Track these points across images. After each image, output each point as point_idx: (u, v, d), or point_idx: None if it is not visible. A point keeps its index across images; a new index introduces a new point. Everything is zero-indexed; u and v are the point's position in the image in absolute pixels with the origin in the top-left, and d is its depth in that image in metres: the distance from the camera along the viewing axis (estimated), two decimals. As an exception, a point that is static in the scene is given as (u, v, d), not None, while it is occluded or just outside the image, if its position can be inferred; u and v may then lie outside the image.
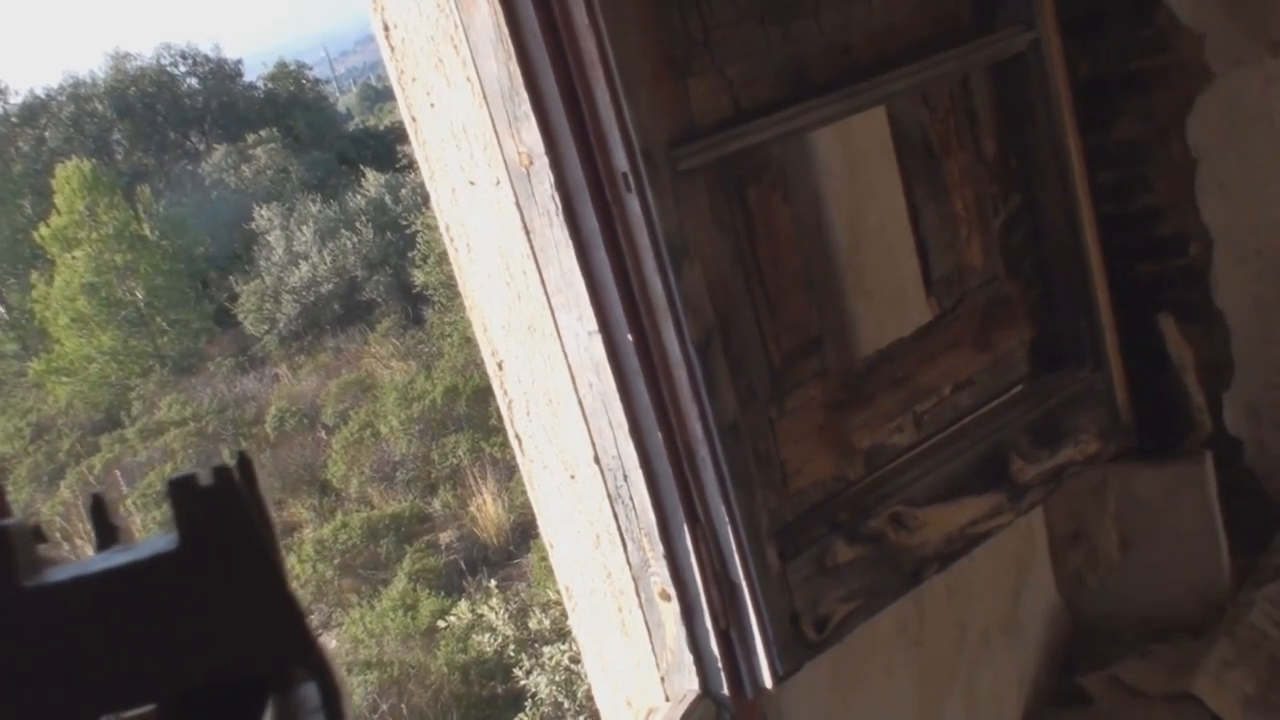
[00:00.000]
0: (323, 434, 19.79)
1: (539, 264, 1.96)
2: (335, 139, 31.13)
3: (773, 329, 2.10)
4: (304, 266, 24.85)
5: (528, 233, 1.94)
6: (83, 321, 25.66)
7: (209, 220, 28.39)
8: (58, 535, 20.00)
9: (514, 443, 2.12)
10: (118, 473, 20.84)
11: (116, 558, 0.73)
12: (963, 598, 2.95)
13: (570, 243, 1.91)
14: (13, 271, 29.15)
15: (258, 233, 26.41)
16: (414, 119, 1.99)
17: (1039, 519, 3.36)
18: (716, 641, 2.06)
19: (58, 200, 25.90)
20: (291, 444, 20.01)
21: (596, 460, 2.03)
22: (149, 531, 18.52)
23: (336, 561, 15.29)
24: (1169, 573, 3.20)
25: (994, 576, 3.10)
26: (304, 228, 25.05)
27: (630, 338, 1.93)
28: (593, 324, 1.94)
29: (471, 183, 1.97)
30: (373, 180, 25.21)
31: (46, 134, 31.39)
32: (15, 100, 32.69)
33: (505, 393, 2.09)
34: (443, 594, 13.06)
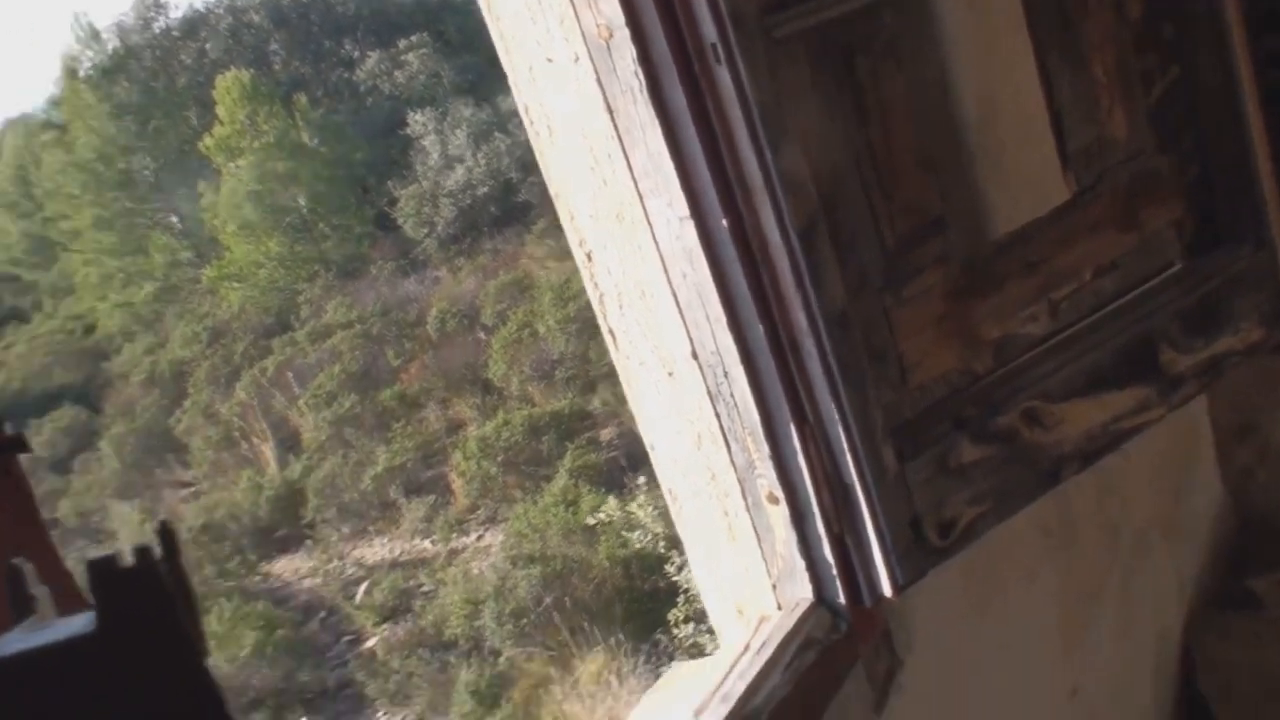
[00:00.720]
0: (482, 334, 20.08)
1: (624, 146, 1.81)
2: (486, 40, 31.06)
3: (886, 211, 1.92)
4: (459, 170, 25.05)
5: (611, 112, 1.79)
6: (250, 228, 26.41)
7: (365, 126, 28.81)
8: (236, 434, 20.80)
9: (608, 338, 1.99)
10: (289, 374, 21.51)
11: (33, 638, 0.72)
12: (1117, 498, 2.75)
13: (656, 122, 1.75)
14: (183, 182, 30.02)
15: (413, 138, 26.68)
16: (487, -8, 1.85)
17: (1202, 411, 3.13)
18: (830, 547, 1.92)
19: (219, 111, 26.56)
20: (453, 344, 20.37)
21: (694, 355, 1.89)
22: (319, 432, 19.08)
23: (500, 458, 15.57)
24: (1347, 466, 2.94)
25: (1152, 474, 2.89)
26: (458, 131, 25.19)
27: (725, 223, 1.78)
28: (684, 209, 1.78)
29: (549, 60, 1.83)
30: (524, 80, 25.14)
31: (207, 46, 32.08)
32: (175, 15, 33.43)
33: (596, 286, 1.96)
34: (604, 490, 13.19)
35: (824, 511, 1.90)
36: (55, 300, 39.45)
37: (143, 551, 0.71)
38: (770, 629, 1.94)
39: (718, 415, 1.91)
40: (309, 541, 17.24)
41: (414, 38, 29.46)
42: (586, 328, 16.71)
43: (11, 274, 44.95)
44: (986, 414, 2.00)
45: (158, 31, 32.72)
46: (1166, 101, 2.28)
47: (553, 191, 1.95)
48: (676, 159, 1.77)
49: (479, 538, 15.18)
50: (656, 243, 1.85)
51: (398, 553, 15.97)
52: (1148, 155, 2.24)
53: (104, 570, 0.70)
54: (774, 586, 1.99)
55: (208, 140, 26.90)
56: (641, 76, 1.73)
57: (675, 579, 9.16)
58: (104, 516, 20.78)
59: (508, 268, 21.72)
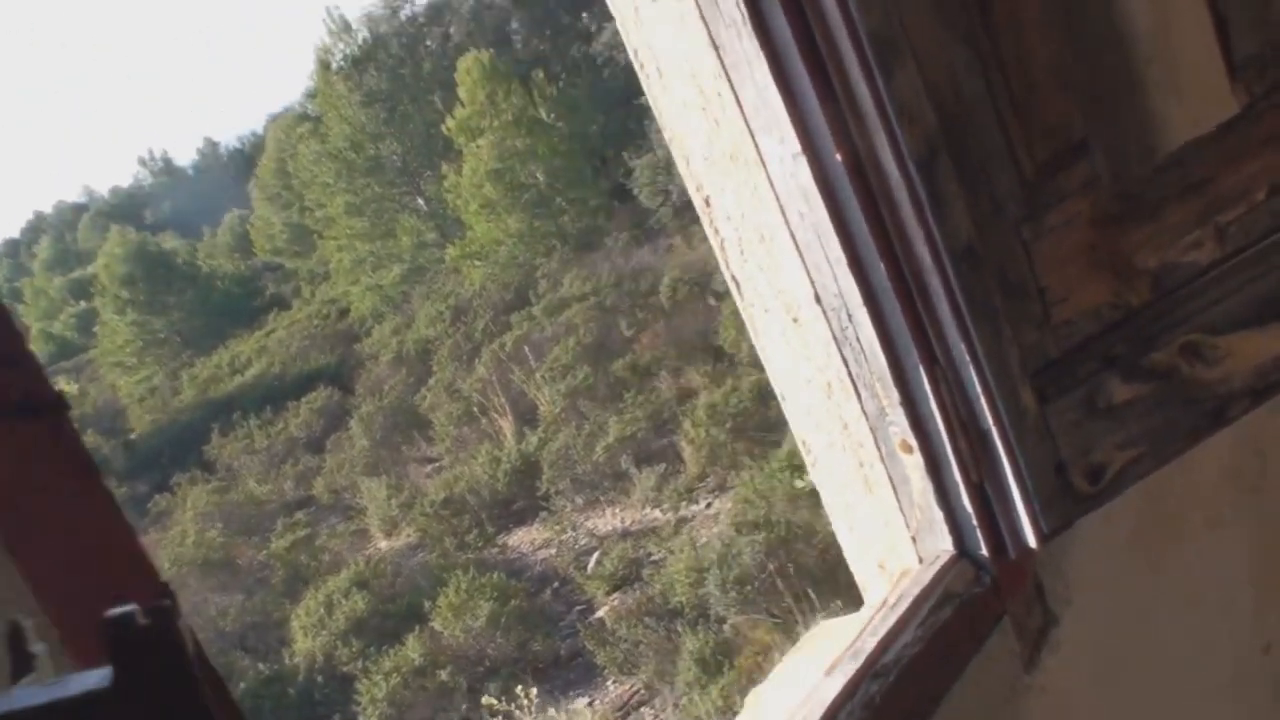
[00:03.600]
0: (714, 301, 20.10)
1: (733, 84, 1.74)
2: (720, 6, 31.16)
3: (1022, 135, 1.79)
4: (692, 136, 25.06)
5: (717, 49, 1.73)
6: (490, 206, 27.13)
7: (601, 99, 29.20)
8: (476, 410, 21.43)
9: (731, 286, 1.93)
10: (526, 348, 22.02)
11: (46, 693, 0.71)
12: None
13: (762, 55, 1.68)
14: (428, 164, 31.10)
15: (647, 107, 26.85)
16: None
17: None
18: (969, 497, 1.82)
19: (460, 92, 27.35)
20: (685, 312, 20.48)
21: (818, 300, 1.81)
22: (554, 405, 19.48)
23: (728, 425, 15.58)
24: None
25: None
26: (689, 96, 25.20)
27: (839, 157, 1.69)
28: (796, 145, 1.71)
29: (652, -2, 1.78)
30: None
31: (451, 30, 33.04)
32: (421, 1, 34.51)
33: (716, 232, 1.90)
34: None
35: (960, 459, 1.80)
36: (313, 286, 41.54)
37: (159, 611, 0.70)
38: (908, 583, 1.86)
39: (845, 362, 1.84)
40: (544, 513, 17.63)
41: (650, 4, 29.67)
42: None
43: (275, 263, 47.58)
44: (1140, 350, 1.86)
45: (404, 19, 33.91)
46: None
47: (667, 136, 1.90)
48: (785, 93, 1.69)
49: (708, 505, 15.23)
50: (772, 183, 1.78)
51: (628, 522, 16.18)
52: (1331, 61, 2.03)
53: (121, 627, 0.69)
54: (914, 539, 1.91)
55: (450, 122, 27.72)
56: (743, 8, 1.66)
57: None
58: (354, 493, 21.75)
59: (740, 232, 21.67)
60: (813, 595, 10.76)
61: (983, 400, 1.76)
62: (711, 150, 1.84)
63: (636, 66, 1.88)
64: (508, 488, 18.48)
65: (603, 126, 28.65)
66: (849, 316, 1.79)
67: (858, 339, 1.80)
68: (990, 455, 1.80)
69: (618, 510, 16.66)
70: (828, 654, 1.82)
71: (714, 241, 1.92)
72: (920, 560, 1.91)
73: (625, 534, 15.84)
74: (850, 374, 1.84)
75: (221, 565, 19.34)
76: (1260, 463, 2.37)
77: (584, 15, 32.03)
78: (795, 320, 1.87)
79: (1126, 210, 1.88)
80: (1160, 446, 1.87)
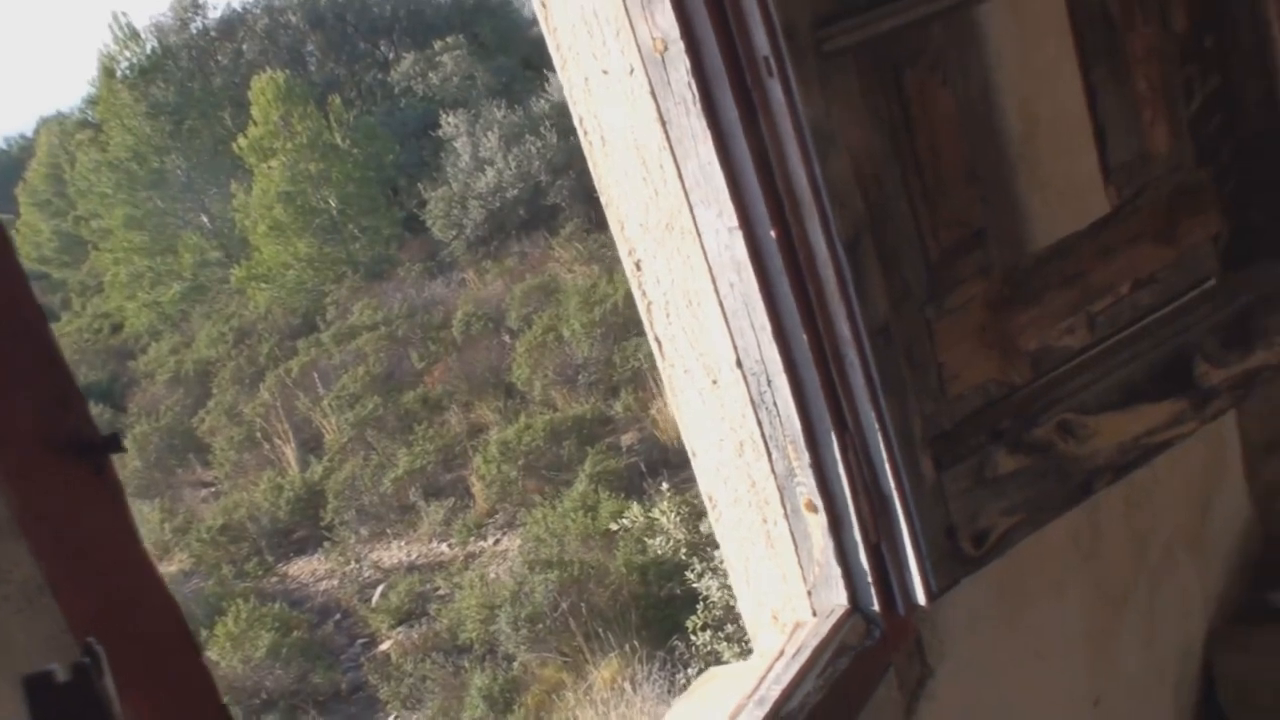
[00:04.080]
0: (507, 338, 20.10)
1: (676, 157, 1.85)
2: (519, 43, 31.24)
3: (930, 223, 1.95)
4: (489, 172, 25.12)
5: (664, 124, 1.83)
6: (280, 229, 26.50)
7: (398, 128, 28.91)
8: (258, 435, 20.88)
9: (654, 346, 2.03)
10: (315, 375, 21.58)
11: None
12: (1144, 510, 2.78)
13: (709, 133, 1.79)
14: (214, 182, 30.19)
15: (445, 139, 26.76)
16: (544, 4, 1.89)
17: (1232, 426, 3.15)
18: (866, 555, 1.95)
19: (254, 112, 26.68)
20: (478, 347, 20.40)
21: (739, 364, 1.92)
22: (341, 434, 19.15)
23: (520, 462, 15.57)
24: (1377, 488, 2.96)
25: (1179, 487, 2.92)
26: (489, 133, 25.26)
27: (773, 234, 1.81)
28: (733, 220, 1.82)
29: (605, 71, 1.87)
30: (556, 84, 25.22)
31: (244, 47, 32.27)
32: (214, 15, 33.61)
33: (644, 294, 2.00)
34: (623, 495, 13.19)
35: (861, 520, 1.94)
36: (84, 299, 39.74)
37: (79, 668, 0.71)
38: (805, 635, 1.98)
39: (760, 423, 1.95)
40: (327, 543, 17.27)
41: (449, 39, 29.56)
42: (611, 332, 16.73)
43: (41, 272, 45.29)
44: (1023, 425, 2.03)
45: (195, 32, 32.89)
46: (1206, 112, 2.30)
47: (604, 200, 1.98)
48: (727, 170, 1.81)
49: (496, 542, 15.20)
50: (705, 253, 1.89)
51: (415, 556, 16.00)
52: (1188, 168, 2.26)
53: (40, 685, 0.70)
54: (809, 593, 2.03)
55: (241, 141, 27.03)
56: (695, 89, 1.77)
57: (694, 585, 9.18)
58: (126, 513, 20.87)
59: (534, 271, 21.78)
60: (604, 635, 10.85)
61: (887, 466, 1.90)
62: (648, 218, 1.93)
63: (580, 133, 1.97)
64: (290, 516, 18.03)
65: (398, 156, 28.37)
66: (768, 381, 1.90)
67: (774, 403, 1.92)
68: (889, 517, 1.94)
69: (404, 543, 16.45)
70: (725, 700, 1.92)
71: (640, 303, 2.01)
72: (814, 613, 2.03)
73: (412, 567, 15.65)
74: (764, 435, 1.95)
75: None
76: (1097, 533, 2.59)
77: (381, 44, 31.72)
78: (714, 382, 1.97)
79: (1014, 295, 2.06)
80: (1036, 514, 2.05)
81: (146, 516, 19.78)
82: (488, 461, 15.93)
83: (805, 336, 1.85)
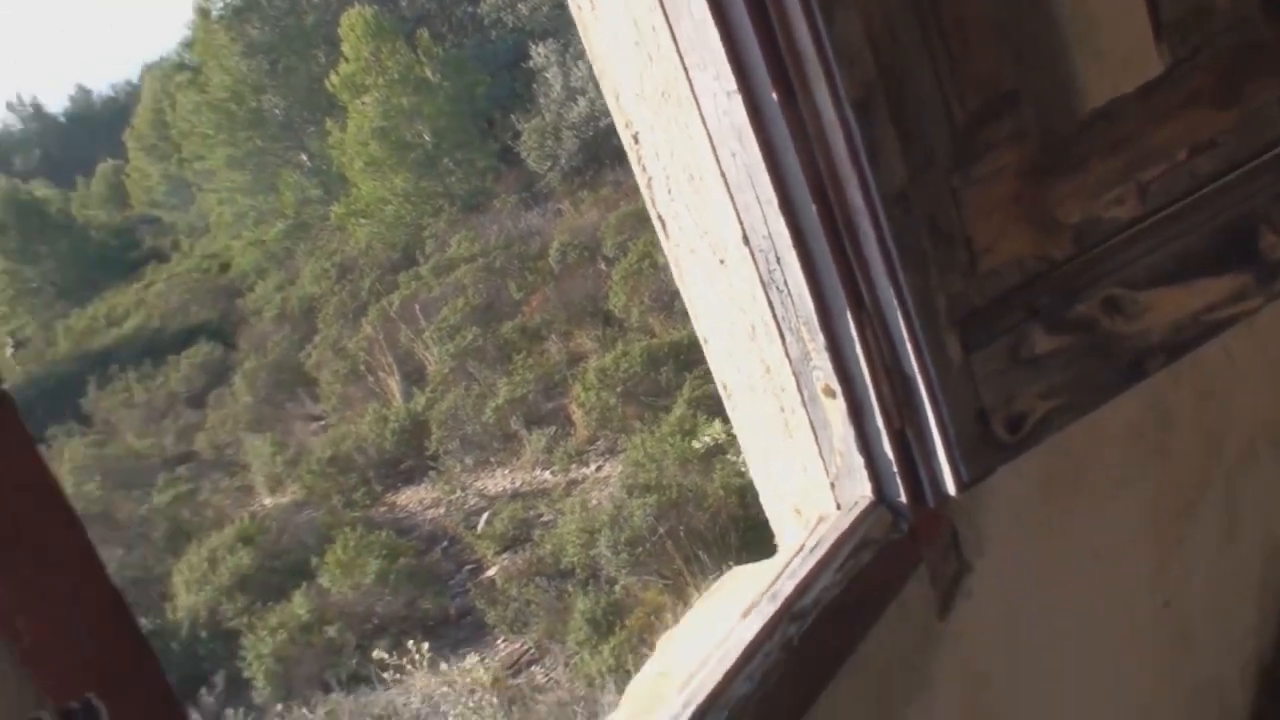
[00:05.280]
0: (603, 266, 20.08)
1: (668, 17, 1.71)
2: (609, -30, 30.87)
3: (955, 85, 1.79)
4: (582, 102, 24.99)
5: (653, -20, 1.70)
6: (376, 165, 26.70)
7: (488, 60, 28.87)
8: (362, 368, 21.18)
9: (657, 225, 1.91)
10: (415, 308, 21.79)
11: None
12: (1220, 402, 2.59)
13: (701, -12, 1.65)
14: (311, 120, 30.50)
15: (536, 70, 26.65)
16: None
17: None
18: (890, 443, 1.82)
19: (344, 48, 26.79)
20: (574, 276, 20.41)
21: (746, 241, 1.79)
22: (443, 365, 19.30)
23: (619, 389, 15.59)
24: None
25: (1262, 376, 2.72)
26: (580, 63, 25.09)
27: (775, 97, 1.67)
28: (731, 83, 1.68)
29: (587, -74, 1.74)
30: (647, 9, 24.95)
31: (335, -17, 32.30)
32: (304, -49, 33.69)
33: (644, 170, 1.87)
34: (722, 420, 13.12)
35: (883, 405, 1.80)
36: (192, 240, 40.62)
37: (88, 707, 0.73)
38: (826, 529, 1.86)
39: (771, 304, 1.82)
40: (432, 473, 17.52)
41: (538, -32, 29.36)
42: (705, 257, 16.58)
43: (152, 215, 46.39)
44: (1064, 302, 1.87)
45: (287, -30, 33.12)
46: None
47: (597, 70, 1.86)
48: (723, 28, 1.66)
49: (598, 468, 15.25)
50: (704, 121, 1.75)
51: (518, 483, 16.14)
52: (1253, 24, 2.06)
53: None
54: (832, 485, 1.91)
55: (334, 77, 27.19)
56: (683, -62, 1.63)
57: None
58: (238, 449, 21.40)
59: (629, 199, 21.63)
60: (704, 558, 10.84)
61: (908, 346, 1.76)
62: (643, 86, 1.80)
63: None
64: (396, 447, 18.32)
65: (490, 88, 28.33)
66: (777, 259, 1.77)
67: (785, 282, 1.79)
68: (913, 402, 1.80)
69: (508, 471, 16.62)
70: (742, 598, 1.81)
71: (641, 179, 1.89)
72: (838, 506, 1.91)
73: (515, 495, 15.81)
74: (776, 317, 1.82)
75: (99, 519, 18.87)
76: (1164, 428, 2.42)
77: (472, -25, 31.62)
78: (722, 262, 1.85)
79: (1052, 163, 1.89)
80: (1079, 397, 1.89)
81: (258, 450, 20.27)
82: (587, 389, 15.98)
83: (814, 208, 1.71)
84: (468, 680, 11.35)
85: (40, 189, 51.33)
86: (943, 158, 1.78)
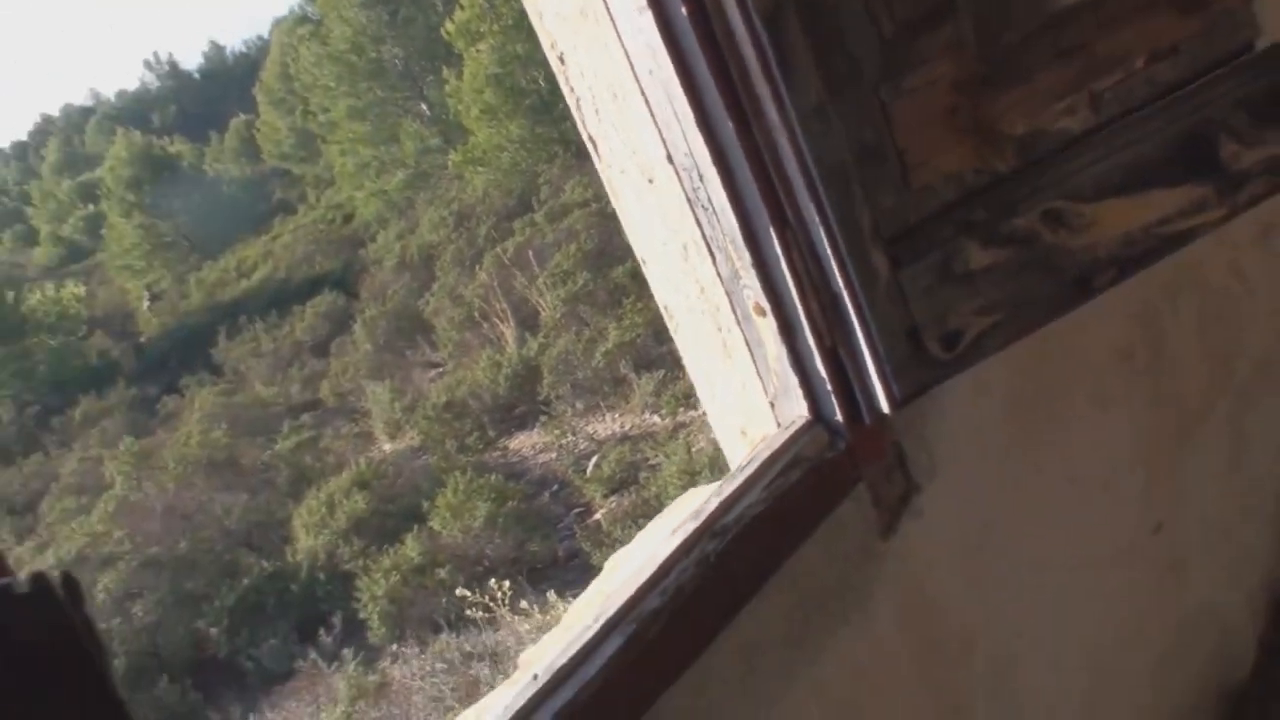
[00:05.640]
0: (714, 208, 19.96)
1: (579, -67, 1.71)
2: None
3: (883, -5, 1.75)
4: (695, 44, 24.75)
5: (562, -103, 1.69)
6: (491, 112, 26.86)
7: (604, 4, 28.72)
8: (478, 315, 21.46)
9: (589, 146, 1.91)
10: (530, 254, 21.97)
11: None
12: (1224, 325, 2.51)
13: (605, -99, 1.64)
14: (430, 68, 30.78)
15: (652, 17, 26.47)
16: None
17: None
18: (823, 361, 1.81)
19: (459, -6, 26.95)
20: (687, 220, 20.32)
21: (670, 159, 1.79)
22: (555, 310, 19.46)
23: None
24: None
25: (1273, 298, 2.63)
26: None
27: (684, 10, 1.66)
28: (642, -1, 1.67)
29: None
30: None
31: (450, -70, 32.45)
32: (421, -97, 33.88)
33: (572, 90, 1.87)
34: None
35: (813, 323, 1.79)
36: (318, 191, 41.43)
37: (37, 578, 0.68)
38: (762, 448, 1.85)
39: (699, 223, 1.82)
40: (544, 417, 17.73)
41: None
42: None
43: (282, 168, 47.44)
44: (1000, 215, 1.83)
45: (404, -80, 33.37)
46: None
47: (523, -9, 1.86)
48: (628, -60, 1.66)
49: (704, 412, 15.28)
50: (621, 39, 1.75)
51: (627, 427, 16.26)
52: (1218, -77, 1.97)
53: None
54: (772, 405, 1.90)
55: (449, 25, 27.40)
56: None
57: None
58: (359, 396, 21.89)
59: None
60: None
61: (833, 263, 1.74)
62: (563, 5, 1.80)
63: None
64: (509, 392, 18.58)
65: (607, 33, 28.21)
66: (700, 177, 1.77)
67: (709, 200, 1.78)
68: (842, 319, 1.78)
69: (617, 415, 16.74)
70: (679, 516, 1.82)
71: (570, 100, 1.89)
72: (779, 425, 1.90)
73: (624, 438, 15.93)
74: (704, 235, 1.82)
75: (227, 465, 19.54)
76: (1153, 348, 2.36)
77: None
78: (650, 181, 1.85)
79: (994, 74, 1.84)
80: (1020, 314, 1.85)
81: (378, 396, 20.71)
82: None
83: (731, 125, 1.70)
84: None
85: (176, 144, 52.84)
86: (870, 70, 1.75)
